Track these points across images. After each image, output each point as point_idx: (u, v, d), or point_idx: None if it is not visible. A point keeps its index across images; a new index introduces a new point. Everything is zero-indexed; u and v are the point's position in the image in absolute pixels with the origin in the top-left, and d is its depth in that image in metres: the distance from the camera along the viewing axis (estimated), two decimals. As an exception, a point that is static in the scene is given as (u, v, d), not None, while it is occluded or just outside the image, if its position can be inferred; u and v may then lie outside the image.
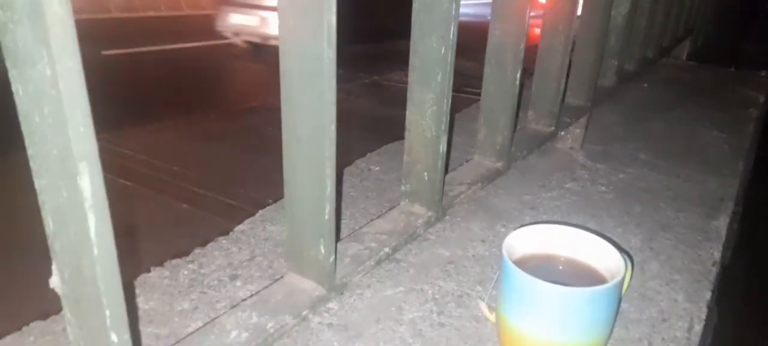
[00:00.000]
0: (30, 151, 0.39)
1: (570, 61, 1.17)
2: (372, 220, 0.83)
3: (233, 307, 0.62)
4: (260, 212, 1.02)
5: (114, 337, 0.42)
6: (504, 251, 0.65)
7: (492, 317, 0.74)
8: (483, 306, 0.76)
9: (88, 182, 0.38)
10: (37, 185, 0.40)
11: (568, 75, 1.15)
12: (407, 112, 0.78)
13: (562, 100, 1.15)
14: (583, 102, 1.29)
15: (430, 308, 0.77)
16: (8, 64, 0.36)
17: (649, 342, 0.73)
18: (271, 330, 0.58)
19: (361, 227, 0.81)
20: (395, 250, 0.78)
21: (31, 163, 0.39)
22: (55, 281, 0.44)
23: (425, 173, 0.81)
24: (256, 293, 0.65)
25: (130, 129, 3.40)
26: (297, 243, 0.64)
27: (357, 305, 0.76)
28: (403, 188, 0.86)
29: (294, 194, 0.61)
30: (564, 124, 1.19)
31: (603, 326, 0.63)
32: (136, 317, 0.72)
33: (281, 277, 0.69)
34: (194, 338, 0.57)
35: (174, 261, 0.87)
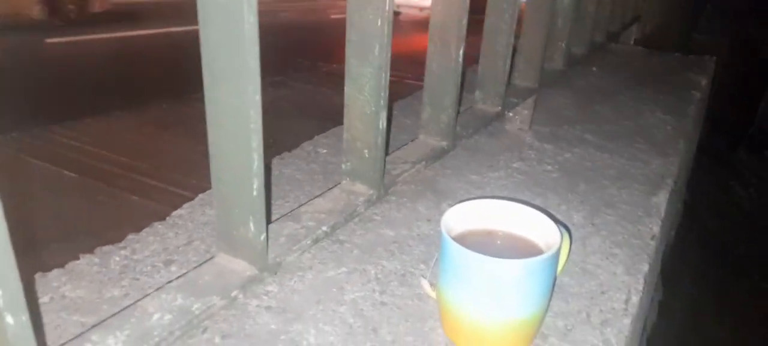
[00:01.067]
0: None
1: (516, 42, 1.17)
2: (311, 199, 0.81)
3: (157, 289, 0.59)
4: (200, 195, 0.98)
5: (9, 319, 0.39)
6: (442, 227, 0.64)
7: (433, 294, 0.74)
8: (425, 284, 0.75)
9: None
10: None
11: (514, 56, 1.15)
12: (345, 88, 0.76)
13: (509, 81, 1.15)
14: (531, 83, 1.29)
15: (373, 287, 0.76)
16: None
17: (587, 314, 0.74)
18: (197, 312, 0.56)
19: (299, 206, 0.78)
20: (334, 229, 0.76)
21: None
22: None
23: (366, 151, 0.79)
24: (183, 274, 0.62)
25: (78, 120, 3.25)
26: (226, 222, 0.62)
27: (297, 287, 0.74)
28: (343, 166, 0.84)
29: (220, 170, 0.58)
30: (511, 104, 1.19)
31: (539, 300, 0.63)
32: (52, 307, 0.69)
33: (211, 258, 0.66)
34: (113, 321, 0.54)
35: (105, 248, 0.83)
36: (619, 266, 0.84)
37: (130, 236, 0.86)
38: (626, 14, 2.22)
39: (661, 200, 1.05)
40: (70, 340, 0.53)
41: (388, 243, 0.85)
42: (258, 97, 0.53)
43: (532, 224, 0.69)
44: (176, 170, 2.63)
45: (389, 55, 0.72)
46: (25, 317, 0.41)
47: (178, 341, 0.57)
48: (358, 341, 0.67)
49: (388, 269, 0.80)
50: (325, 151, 1.17)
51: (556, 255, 0.63)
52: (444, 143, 0.99)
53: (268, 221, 0.67)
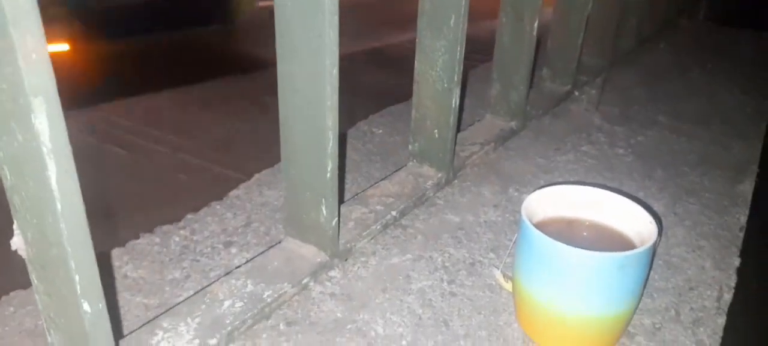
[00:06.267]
0: (-25, 87, 0.33)
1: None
2: (377, 182, 0.77)
3: (226, 274, 0.56)
4: (256, 175, 0.96)
5: (86, 306, 0.36)
6: (523, 213, 0.59)
7: (507, 285, 0.69)
8: (498, 274, 0.71)
9: (46, 123, 0.32)
10: (-14, 129, 0.34)
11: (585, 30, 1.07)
12: (416, 63, 0.71)
13: (579, 57, 1.07)
14: (601, 60, 1.21)
15: (440, 276, 0.72)
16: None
17: (676, 311, 0.68)
18: (268, 299, 0.52)
19: (365, 190, 0.74)
20: (403, 214, 0.72)
21: (-21, 102, 0.33)
22: (17, 242, 0.38)
23: (436, 130, 0.74)
24: (251, 259, 0.59)
25: (127, 99, 3.31)
26: (296, 205, 0.58)
27: (361, 274, 0.71)
28: (410, 147, 0.79)
29: (292, 150, 0.55)
30: (580, 83, 1.11)
31: (633, 296, 0.58)
32: (114, 287, 0.67)
33: (279, 242, 0.63)
34: (183, 307, 0.52)
35: (164, 227, 0.81)
36: (708, 260, 0.78)
37: (189, 216, 0.84)
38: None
39: (747, 189, 0.97)
40: (142, 326, 0.51)
41: (454, 229, 0.81)
42: (335, 72, 0.49)
43: (620, 213, 0.64)
44: (220, 149, 2.65)
45: (465, 26, 0.67)
46: (101, 305, 0.38)
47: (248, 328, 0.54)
48: (429, 333, 0.63)
49: (455, 257, 0.76)
50: (380, 131, 1.13)
51: (653, 248, 0.58)
52: (513, 124, 0.93)
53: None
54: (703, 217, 0.87)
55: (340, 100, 0.51)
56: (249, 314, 0.51)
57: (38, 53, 0.30)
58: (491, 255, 0.76)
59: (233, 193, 0.91)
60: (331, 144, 0.51)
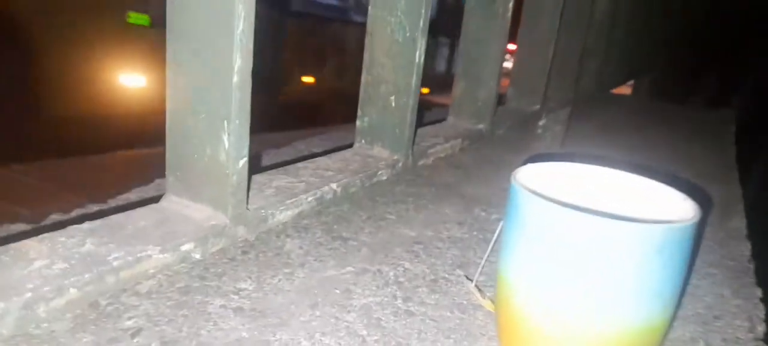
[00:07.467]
0: None
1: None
2: (313, 157, 0.58)
3: (53, 228, 0.34)
4: (157, 181, 0.75)
5: None
6: (514, 183, 0.42)
7: (486, 302, 0.50)
8: (472, 288, 0.52)
9: None
10: None
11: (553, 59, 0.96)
12: (370, 9, 0.55)
13: (549, 75, 0.95)
14: (566, 94, 1.10)
15: (393, 292, 0.54)
16: None
17: (706, 343, 0.52)
18: (115, 263, 0.31)
19: (295, 161, 0.55)
20: (346, 189, 0.53)
21: None
22: None
23: (392, 98, 0.56)
24: (105, 216, 0.37)
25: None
26: (183, 138, 0.38)
27: (283, 286, 0.52)
28: (359, 123, 0.60)
29: (181, 43, 0.35)
30: (549, 107, 0.99)
31: (672, 299, 0.40)
32: None
33: (155, 198, 0.41)
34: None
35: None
36: (725, 289, 0.63)
37: (53, 216, 0.61)
38: (633, 68, 2.09)
39: (738, 225, 0.86)
40: None
41: (409, 243, 0.63)
42: None
43: (642, 198, 0.48)
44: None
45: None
46: None
47: (83, 331, 0.32)
48: (377, 360, 0.43)
49: (412, 272, 0.58)
50: (320, 151, 0.95)
51: (698, 226, 0.41)
52: (481, 126, 0.77)
53: (251, 171, 0.43)
54: (704, 247, 0.74)
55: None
56: (71, 280, 0.29)
57: None
58: (458, 272, 0.58)
59: (122, 196, 0.70)
60: (241, 27, 0.33)
